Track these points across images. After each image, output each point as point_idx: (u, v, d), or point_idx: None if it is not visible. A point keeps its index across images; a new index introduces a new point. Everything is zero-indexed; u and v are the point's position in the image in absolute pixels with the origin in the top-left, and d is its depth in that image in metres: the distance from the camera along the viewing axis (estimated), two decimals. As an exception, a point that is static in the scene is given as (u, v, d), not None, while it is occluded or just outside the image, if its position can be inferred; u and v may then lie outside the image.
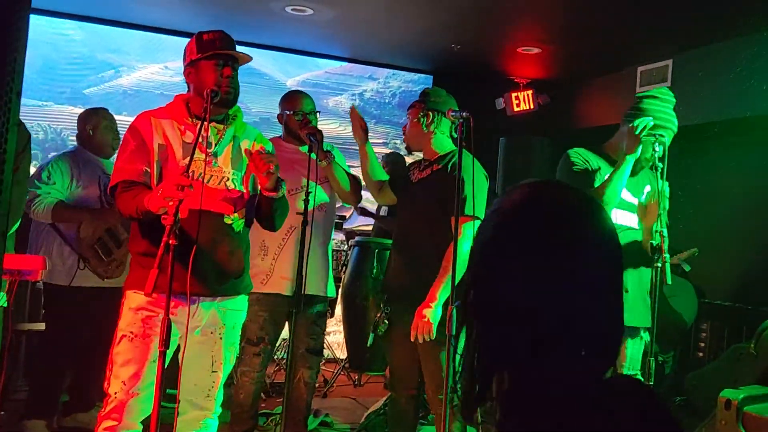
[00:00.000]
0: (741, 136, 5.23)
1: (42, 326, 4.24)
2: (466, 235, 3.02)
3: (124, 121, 5.93)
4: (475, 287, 1.04)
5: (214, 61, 2.62)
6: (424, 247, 3.16)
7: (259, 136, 2.86)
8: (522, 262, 0.99)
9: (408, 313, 3.01)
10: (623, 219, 3.23)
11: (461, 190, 2.94)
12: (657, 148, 3.06)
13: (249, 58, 2.71)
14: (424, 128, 3.30)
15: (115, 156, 4.18)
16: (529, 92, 6.70)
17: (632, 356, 3.34)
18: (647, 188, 3.26)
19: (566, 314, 0.97)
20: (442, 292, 2.95)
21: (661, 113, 3.12)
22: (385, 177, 3.62)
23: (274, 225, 2.87)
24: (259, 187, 2.70)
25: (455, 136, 3.11)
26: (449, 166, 3.16)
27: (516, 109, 6.73)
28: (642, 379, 3.36)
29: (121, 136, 4.27)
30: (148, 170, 2.60)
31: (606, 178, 3.11)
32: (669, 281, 2.97)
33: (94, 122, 4.19)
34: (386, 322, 3.23)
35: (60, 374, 4.08)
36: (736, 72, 4.96)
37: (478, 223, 3.05)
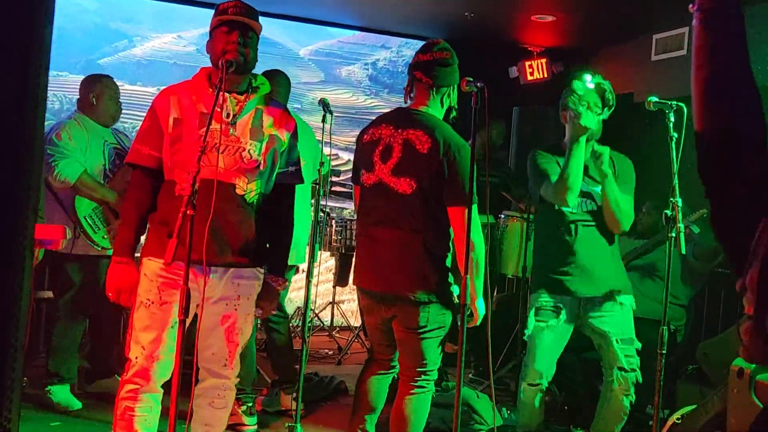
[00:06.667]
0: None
1: (50, 294, 4.28)
2: None
3: (138, 91, 5.96)
4: None
5: (225, 27, 2.63)
6: None
7: (281, 115, 2.80)
8: None
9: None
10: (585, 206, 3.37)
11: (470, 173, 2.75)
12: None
13: (258, 26, 2.69)
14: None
15: (115, 126, 4.24)
16: (543, 61, 6.64)
17: (620, 322, 3.37)
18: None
19: None
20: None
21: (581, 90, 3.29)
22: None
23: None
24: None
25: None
26: None
27: (530, 78, 6.68)
28: (638, 345, 3.39)
29: (125, 105, 4.31)
30: (157, 156, 2.66)
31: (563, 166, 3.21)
32: (683, 251, 3.03)
33: (98, 90, 4.13)
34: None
35: (75, 340, 4.11)
36: (753, 40, 4.88)
37: None
